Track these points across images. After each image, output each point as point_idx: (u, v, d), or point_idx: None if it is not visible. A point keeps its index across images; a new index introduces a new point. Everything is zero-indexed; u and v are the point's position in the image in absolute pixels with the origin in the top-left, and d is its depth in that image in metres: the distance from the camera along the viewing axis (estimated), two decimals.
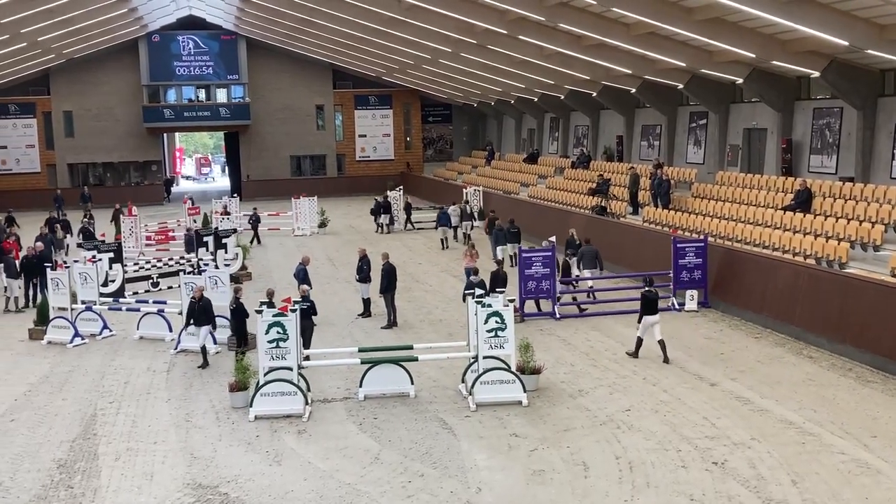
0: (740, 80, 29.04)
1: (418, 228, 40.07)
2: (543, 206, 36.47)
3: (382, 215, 40.01)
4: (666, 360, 17.79)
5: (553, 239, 24.73)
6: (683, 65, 29.65)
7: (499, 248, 28.57)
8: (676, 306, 22.50)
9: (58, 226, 33.43)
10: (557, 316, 21.97)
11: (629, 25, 27.63)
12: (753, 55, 25.89)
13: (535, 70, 38.08)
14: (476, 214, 37.60)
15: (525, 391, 15.49)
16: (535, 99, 45.61)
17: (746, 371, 17.11)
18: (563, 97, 42.09)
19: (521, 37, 32.28)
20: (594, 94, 38.71)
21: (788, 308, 19.80)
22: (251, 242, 36.14)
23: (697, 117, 34.16)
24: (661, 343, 17.96)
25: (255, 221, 38.18)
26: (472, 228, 35.99)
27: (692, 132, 34.63)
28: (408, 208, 40.72)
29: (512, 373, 15.63)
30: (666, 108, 35.30)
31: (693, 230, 26.39)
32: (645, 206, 30.85)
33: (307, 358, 17.45)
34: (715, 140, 32.57)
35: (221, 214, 38.22)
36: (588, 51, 31.69)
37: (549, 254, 22.38)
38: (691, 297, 22.47)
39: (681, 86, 32.17)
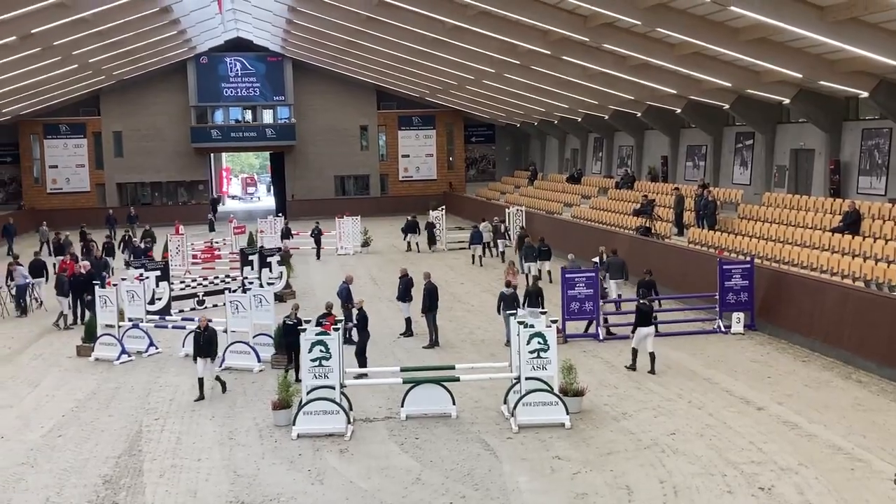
0: (787, 101, 28.74)
1: (449, 249, 40.36)
2: (587, 226, 36.28)
3: (410, 234, 40.80)
4: (652, 372, 18.54)
5: (596, 260, 24.64)
6: (729, 85, 29.45)
7: (527, 265, 29.73)
8: (722, 329, 22.22)
9: (94, 244, 33.96)
10: (601, 337, 21.81)
11: (674, 46, 27.52)
12: (801, 75, 25.63)
13: (578, 90, 38.03)
14: (508, 232, 38.11)
15: (568, 413, 15.37)
16: (579, 119, 45.53)
17: (794, 395, 16.83)
18: (607, 117, 41.96)
19: (564, 57, 32.28)
20: (639, 115, 38.55)
21: (837, 331, 19.46)
22: (318, 257, 38.69)
23: (744, 138, 33.84)
24: (652, 356, 18.66)
25: (317, 235, 39.44)
26: (506, 246, 36.74)
27: (738, 153, 34.31)
28: (429, 227, 41.04)
29: (555, 394, 15.53)
30: (712, 128, 35.03)
31: (739, 252, 26.06)
32: (690, 228, 30.57)
33: (364, 376, 18.09)
34: (761, 161, 32.23)
35: (282, 237, 38.89)
36: (632, 71, 31.60)
37: (593, 275, 22.24)
38: (738, 320, 22.18)
39: (727, 106, 31.93)
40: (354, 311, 19.75)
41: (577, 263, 26.43)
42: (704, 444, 14.30)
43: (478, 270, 33.96)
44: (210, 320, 18.27)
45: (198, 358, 17.77)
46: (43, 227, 42.29)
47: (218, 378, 18.11)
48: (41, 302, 27.83)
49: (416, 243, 40.54)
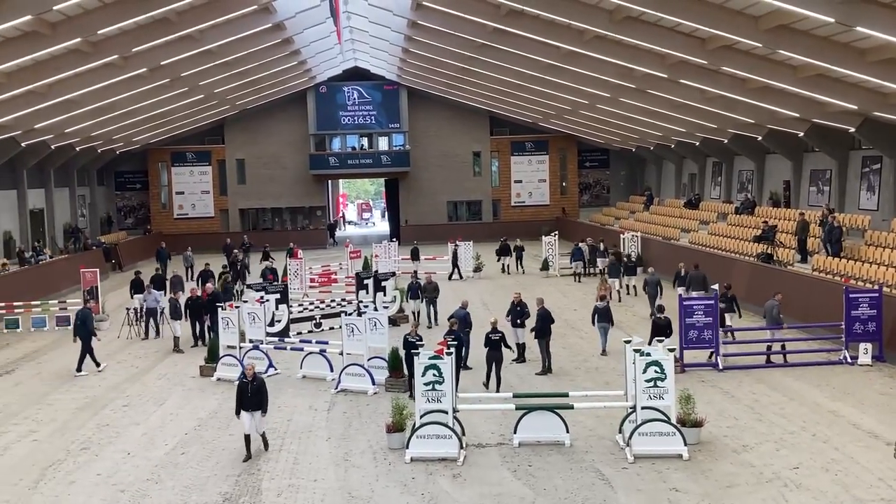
0: None
1: (562, 275, 40.39)
2: (705, 252, 35.48)
3: (503, 257, 42.33)
4: None
5: (716, 288, 24.11)
6: (855, 108, 28.41)
7: (612, 280, 32.71)
8: (849, 360, 21.35)
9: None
10: (720, 367, 21.23)
11: (796, 67, 26.77)
12: None
13: (696, 114, 37.38)
14: (607, 251, 38.81)
15: (686, 444, 15.00)
16: (697, 143, 44.70)
17: None
18: (726, 141, 41.08)
19: (682, 80, 31.81)
20: (759, 138, 37.59)
21: None
22: (450, 278, 39.55)
23: (870, 162, 32.55)
24: None
25: (455, 257, 40.53)
26: (605, 264, 38.08)
27: (865, 177, 33.02)
28: (518, 250, 42.47)
29: (672, 425, 15.18)
30: (836, 152, 33.84)
31: (866, 280, 25.04)
32: (814, 255, 29.54)
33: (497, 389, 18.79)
34: (890, 185, 30.91)
35: (412, 258, 40.20)
36: (753, 94, 30.88)
37: (712, 302, 21.73)
38: (865, 351, 21.29)
39: (852, 129, 30.80)
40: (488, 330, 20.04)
41: (657, 277, 28.35)
42: (830, 479, 13.72)
43: (592, 296, 33.53)
44: (254, 367, 16.29)
45: (242, 412, 15.61)
46: (187, 252, 42.50)
47: (263, 435, 16.10)
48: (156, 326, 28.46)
49: (508, 265, 42.30)
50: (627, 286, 33.91)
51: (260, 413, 15.63)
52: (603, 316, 23.09)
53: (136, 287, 30.08)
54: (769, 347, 22.18)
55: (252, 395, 15.49)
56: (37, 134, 39.75)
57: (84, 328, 23.04)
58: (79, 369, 22.94)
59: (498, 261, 42.49)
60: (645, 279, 29.15)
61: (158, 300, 28.22)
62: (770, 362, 21.80)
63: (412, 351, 17.62)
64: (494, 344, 19.66)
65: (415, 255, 41.21)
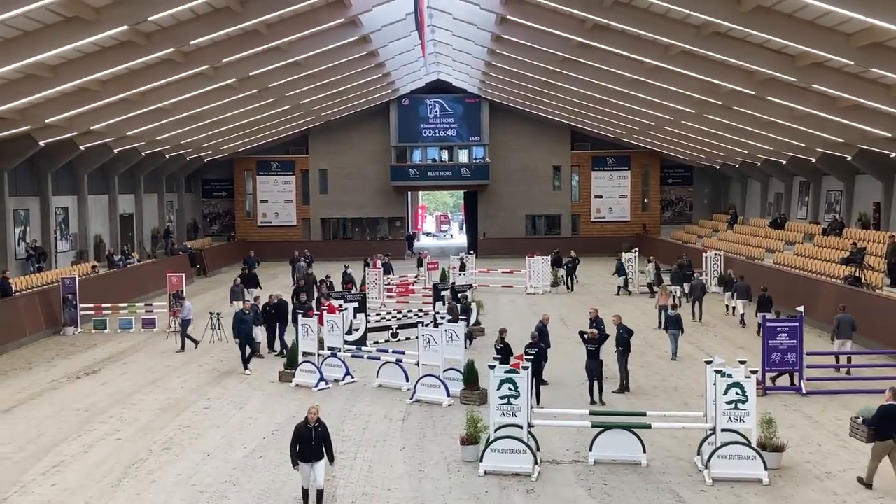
0: None
1: (641, 293, 39.77)
2: (791, 273, 34.65)
3: (555, 268, 42.29)
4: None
5: (800, 309, 23.50)
6: None
7: (674, 287, 34.92)
8: None
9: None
10: (804, 391, 20.68)
11: (889, 86, 26.01)
12: None
13: (784, 132, 36.59)
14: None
15: (766, 469, 14.64)
16: (784, 162, 43.74)
17: None
18: (814, 160, 40.09)
19: (769, 98, 31.19)
20: (849, 158, 36.58)
21: None
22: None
23: None
24: None
25: (573, 267, 41.58)
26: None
27: None
28: (572, 261, 42.42)
29: (752, 448, 14.83)
30: None
31: None
32: None
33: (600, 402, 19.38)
34: None
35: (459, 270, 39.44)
36: (843, 113, 30.10)
37: (797, 324, 21.19)
38: None
39: None
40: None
41: (701, 282, 32.62)
42: None
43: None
44: (318, 411, 13.52)
45: (301, 463, 13.19)
46: (300, 263, 41.81)
47: (320, 492, 13.41)
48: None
49: (561, 276, 42.18)
50: (685, 293, 35.08)
51: (324, 462, 13.28)
52: (674, 323, 24.50)
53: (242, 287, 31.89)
54: (847, 360, 22.27)
55: (315, 443, 13.09)
56: (128, 141, 40.99)
57: (241, 329, 23.95)
58: (245, 367, 24.04)
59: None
60: (691, 284, 32.82)
61: (192, 310, 28.18)
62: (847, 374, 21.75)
63: (490, 365, 17.60)
64: (591, 353, 19.98)
65: (461, 269, 40.74)
